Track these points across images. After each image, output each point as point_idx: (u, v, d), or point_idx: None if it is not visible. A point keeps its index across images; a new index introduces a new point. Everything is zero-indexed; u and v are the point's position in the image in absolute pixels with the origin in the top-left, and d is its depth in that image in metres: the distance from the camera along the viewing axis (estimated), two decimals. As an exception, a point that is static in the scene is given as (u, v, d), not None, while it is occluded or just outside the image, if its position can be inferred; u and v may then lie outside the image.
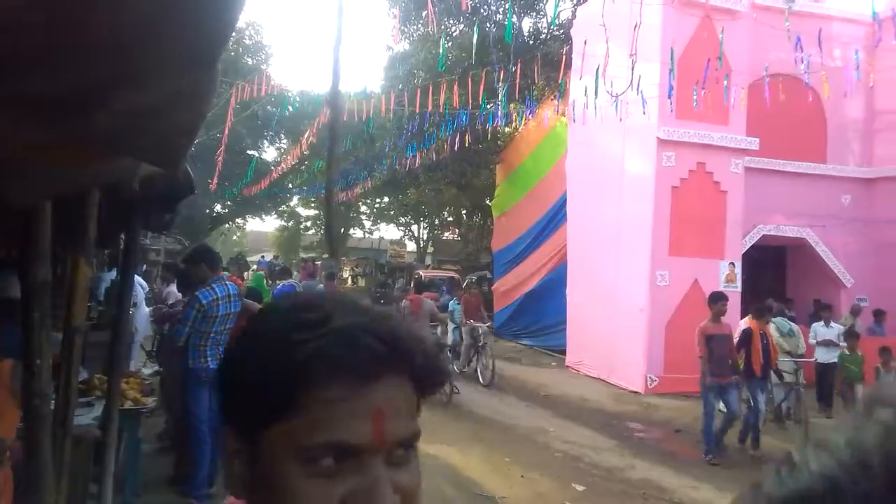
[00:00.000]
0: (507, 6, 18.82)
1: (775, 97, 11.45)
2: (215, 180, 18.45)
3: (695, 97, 10.68)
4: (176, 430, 6.13)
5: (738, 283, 12.21)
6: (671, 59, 10.10)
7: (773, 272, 15.14)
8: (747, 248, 12.85)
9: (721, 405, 7.87)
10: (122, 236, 4.93)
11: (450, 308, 13.29)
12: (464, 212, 31.98)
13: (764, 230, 13.27)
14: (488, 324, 13.33)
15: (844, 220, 13.98)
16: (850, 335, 10.04)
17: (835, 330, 10.61)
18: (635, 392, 11.57)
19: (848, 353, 9.70)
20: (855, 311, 12.47)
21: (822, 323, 10.76)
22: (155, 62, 0.96)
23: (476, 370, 11.99)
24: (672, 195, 11.87)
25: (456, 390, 9.87)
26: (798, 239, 13.74)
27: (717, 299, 8.02)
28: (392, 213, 39.59)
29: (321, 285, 11.29)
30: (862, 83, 12.72)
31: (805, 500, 0.43)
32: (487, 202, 24.44)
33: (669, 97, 10.35)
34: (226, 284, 5.49)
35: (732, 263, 12.18)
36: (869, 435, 0.42)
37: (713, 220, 12.13)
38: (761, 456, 7.76)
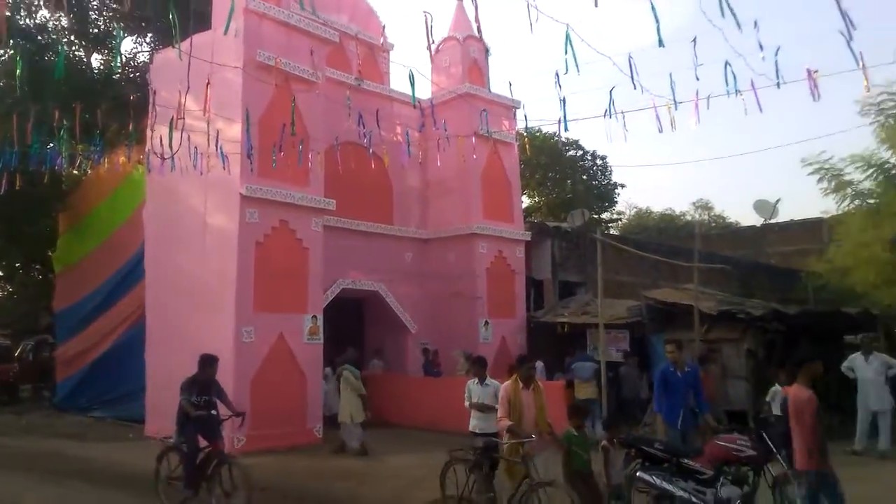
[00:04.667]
0: (70, 37, 16.83)
1: (347, 163, 12.57)
2: None
3: (274, 158, 11.00)
4: None
5: (321, 336, 12.83)
6: (247, 119, 10.24)
7: (352, 323, 16.41)
8: (329, 301, 13.64)
9: None
10: None
11: None
12: (17, 265, 27.01)
13: (343, 284, 14.34)
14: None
15: (408, 274, 16.06)
16: (574, 411, 6.96)
17: (490, 388, 7.56)
18: (220, 456, 11.01)
19: (574, 432, 6.62)
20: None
21: (476, 381, 7.78)
22: None
23: None
24: (256, 251, 11.92)
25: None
26: (372, 292, 15.22)
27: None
28: (-89, 266, 31.04)
29: None
30: (415, 158, 14.93)
31: None
32: (50, 254, 21.05)
33: (249, 156, 10.46)
34: None
35: (315, 317, 12.75)
36: None
37: (297, 275, 12.56)
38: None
